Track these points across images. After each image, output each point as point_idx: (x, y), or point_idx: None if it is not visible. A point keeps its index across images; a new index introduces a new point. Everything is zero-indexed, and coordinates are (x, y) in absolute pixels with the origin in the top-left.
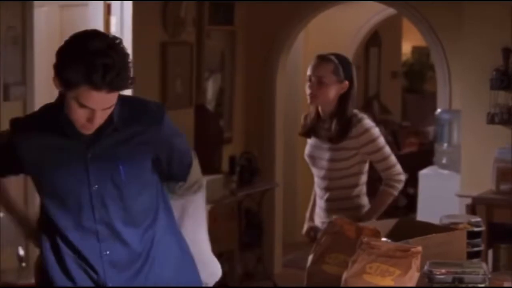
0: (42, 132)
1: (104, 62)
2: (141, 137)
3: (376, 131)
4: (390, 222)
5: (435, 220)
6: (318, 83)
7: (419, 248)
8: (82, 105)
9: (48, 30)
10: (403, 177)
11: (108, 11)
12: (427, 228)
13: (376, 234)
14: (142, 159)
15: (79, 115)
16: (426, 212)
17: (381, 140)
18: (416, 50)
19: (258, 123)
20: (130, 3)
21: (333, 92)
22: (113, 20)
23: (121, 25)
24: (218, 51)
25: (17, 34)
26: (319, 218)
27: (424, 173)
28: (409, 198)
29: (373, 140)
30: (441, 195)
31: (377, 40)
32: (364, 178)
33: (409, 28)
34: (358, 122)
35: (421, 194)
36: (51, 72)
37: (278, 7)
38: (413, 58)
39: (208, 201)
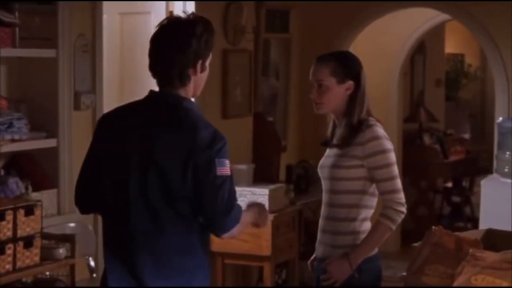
0: None
1: None
2: None
3: (387, 143)
4: (478, 233)
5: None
6: (319, 87)
7: None
8: None
9: (108, 39)
10: (404, 209)
11: None
12: None
13: (477, 245)
14: None
15: None
16: (489, 221)
17: (391, 156)
18: (450, 57)
19: (311, 132)
20: (193, 10)
21: (336, 95)
22: None
23: None
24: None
25: (87, 42)
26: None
27: (486, 182)
28: (453, 207)
29: (381, 152)
30: (504, 204)
31: (422, 48)
32: (368, 200)
33: (447, 35)
34: (367, 128)
35: (483, 204)
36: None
37: (333, 15)
38: (448, 66)
39: (271, 210)
